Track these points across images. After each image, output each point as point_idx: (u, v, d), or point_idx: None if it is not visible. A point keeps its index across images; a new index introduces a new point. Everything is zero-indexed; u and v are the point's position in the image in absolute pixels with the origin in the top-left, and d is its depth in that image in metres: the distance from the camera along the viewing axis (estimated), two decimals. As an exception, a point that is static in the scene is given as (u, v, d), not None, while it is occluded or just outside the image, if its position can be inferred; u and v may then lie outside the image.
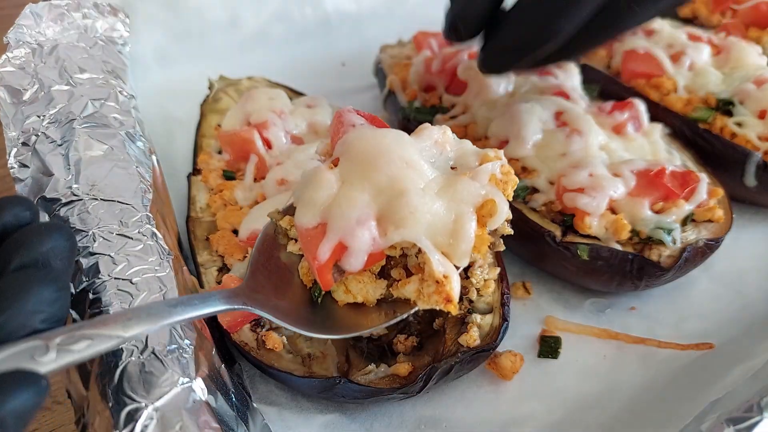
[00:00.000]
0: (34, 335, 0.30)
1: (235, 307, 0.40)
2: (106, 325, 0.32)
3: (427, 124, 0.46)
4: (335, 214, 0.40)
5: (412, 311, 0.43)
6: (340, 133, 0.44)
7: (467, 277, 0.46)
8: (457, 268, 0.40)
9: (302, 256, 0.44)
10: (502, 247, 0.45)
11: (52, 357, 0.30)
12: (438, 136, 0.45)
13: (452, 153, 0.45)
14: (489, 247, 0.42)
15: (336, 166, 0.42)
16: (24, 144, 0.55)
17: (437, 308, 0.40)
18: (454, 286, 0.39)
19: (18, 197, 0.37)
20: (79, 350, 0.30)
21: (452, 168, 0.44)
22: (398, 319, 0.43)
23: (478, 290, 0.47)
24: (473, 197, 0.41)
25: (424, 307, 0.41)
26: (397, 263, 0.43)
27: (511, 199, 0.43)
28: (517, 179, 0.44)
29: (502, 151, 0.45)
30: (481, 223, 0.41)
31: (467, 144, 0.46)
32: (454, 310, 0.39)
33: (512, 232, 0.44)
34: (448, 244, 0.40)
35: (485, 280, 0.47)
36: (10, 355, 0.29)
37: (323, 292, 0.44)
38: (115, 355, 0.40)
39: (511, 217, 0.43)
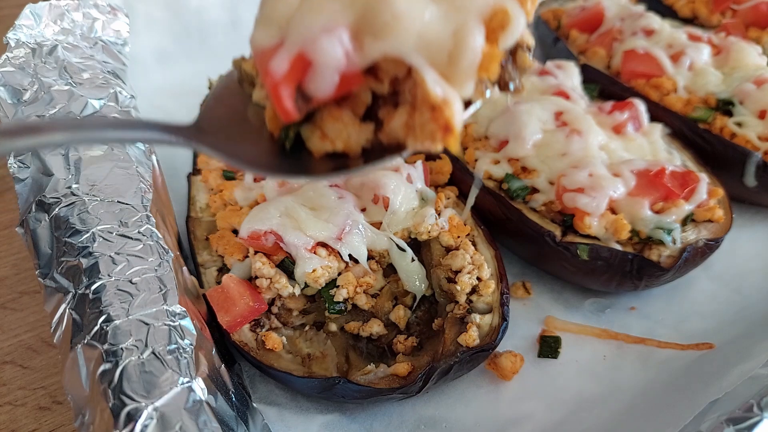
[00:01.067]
0: None
1: (173, 139, 0.33)
2: (24, 126, 0.29)
3: None
4: (295, 22, 0.32)
5: (404, 154, 0.33)
6: None
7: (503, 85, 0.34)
8: (468, 103, 0.31)
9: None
10: (524, 90, 0.36)
11: None
12: None
13: None
14: (504, 85, 0.33)
15: None
16: (24, 144, 0.55)
17: (433, 148, 0.31)
18: (456, 111, 0.30)
19: None
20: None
21: None
22: (385, 161, 0.34)
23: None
24: (479, 4, 0.32)
25: (417, 145, 0.31)
26: (387, 103, 0.33)
27: (530, 18, 0.34)
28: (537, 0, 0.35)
29: None
30: (490, 39, 0.32)
31: None
32: (454, 145, 0.31)
33: (533, 66, 0.36)
34: (445, 63, 0.31)
35: (479, 281, 0.41)
36: None
37: (291, 133, 0.34)
38: (115, 355, 0.40)
39: (532, 44, 0.35)
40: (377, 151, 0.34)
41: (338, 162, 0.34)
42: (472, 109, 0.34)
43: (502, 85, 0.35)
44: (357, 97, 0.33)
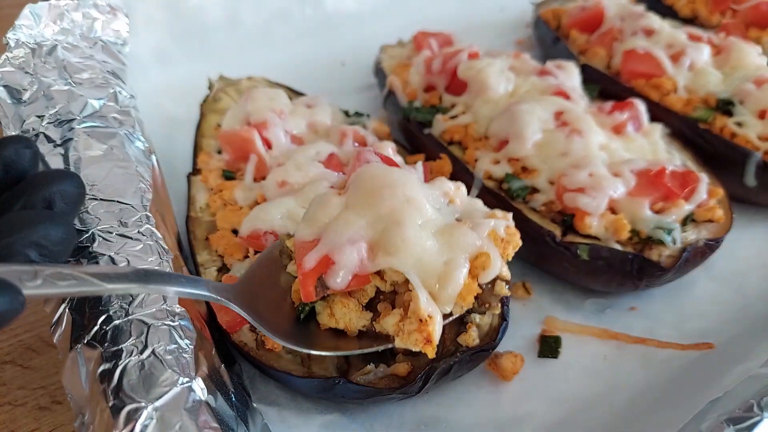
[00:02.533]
0: (28, 263, 0.34)
1: (218, 298, 0.43)
2: (93, 272, 0.36)
3: (444, 178, 0.49)
4: (330, 230, 0.43)
5: (388, 346, 0.43)
6: (356, 168, 0.49)
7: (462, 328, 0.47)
8: (446, 316, 0.42)
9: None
10: (497, 309, 0.46)
11: (37, 283, 0.33)
12: (450, 189, 0.48)
13: (460, 207, 0.48)
14: (482, 304, 0.44)
15: (344, 194, 0.46)
16: (24, 144, 0.55)
17: (414, 349, 0.41)
18: (437, 328, 0.40)
19: (18, 136, 0.40)
20: (62, 286, 0.34)
21: (457, 220, 0.46)
22: (373, 349, 0.44)
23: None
24: (468, 246, 0.42)
25: (402, 345, 0.41)
26: (386, 298, 0.44)
27: (509, 259, 0.45)
28: (520, 242, 0.46)
29: (510, 214, 0.47)
30: (472, 274, 0.43)
31: (478, 203, 0.49)
32: (431, 353, 0.40)
33: (509, 294, 0.46)
34: (435, 285, 0.41)
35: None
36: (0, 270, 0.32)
37: (306, 308, 0.45)
38: (114, 355, 0.40)
39: (509, 277, 0.45)
40: (370, 335, 0.44)
41: (338, 340, 0.44)
42: (447, 321, 0.43)
43: (480, 304, 0.45)
44: (364, 290, 0.44)
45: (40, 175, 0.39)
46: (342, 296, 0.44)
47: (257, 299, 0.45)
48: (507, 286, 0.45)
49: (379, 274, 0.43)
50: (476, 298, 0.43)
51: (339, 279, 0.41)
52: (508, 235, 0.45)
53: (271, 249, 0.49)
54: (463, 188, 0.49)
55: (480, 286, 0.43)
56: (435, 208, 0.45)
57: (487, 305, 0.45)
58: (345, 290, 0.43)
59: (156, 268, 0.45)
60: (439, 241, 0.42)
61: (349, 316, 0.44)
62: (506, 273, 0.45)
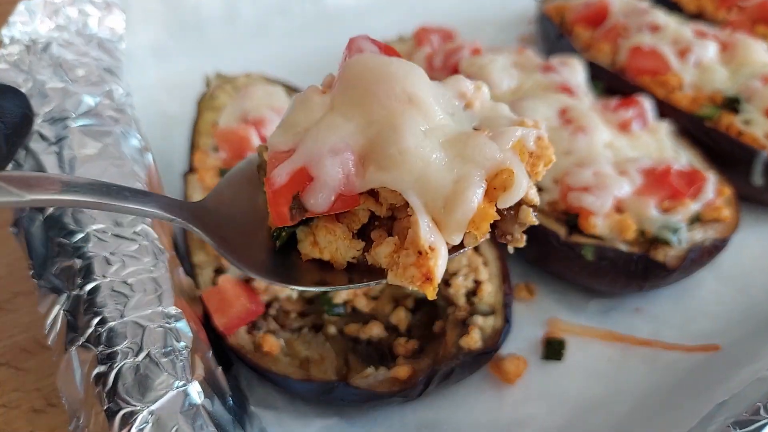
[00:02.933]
0: None
1: (172, 217, 0.35)
2: (10, 176, 0.29)
3: (459, 75, 0.38)
4: (308, 136, 0.33)
5: (381, 282, 0.35)
6: (346, 59, 0.37)
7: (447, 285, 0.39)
8: (455, 248, 0.32)
9: None
10: (521, 243, 0.36)
11: None
12: (467, 89, 0.37)
13: (481, 112, 0.37)
14: (501, 235, 0.34)
15: (329, 92, 0.36)
16: (18, 142, 0.54)
17: (410, 287, 0.32)
18: (439, 263, 0.32)
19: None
20: None
21: (474, 129, 0.36)
22: (361, 285, 0.35)
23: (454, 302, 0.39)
24: (486, 160, 0.32)
25: (396, 281, 0.32)
26: (382, 225, 0.35)
27: (539, 179, 0.35)
28: (553, 158, 0.35)
29: (543, 123, 0.37)
30: (489, 196, 0.33)
31: (503, 107, 0.38)
32: (431, 293, 0.31)
33: (536, 222, 0.35)
34: (440, 209, 0.32)
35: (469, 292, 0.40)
36: None
37: (283, 235, 0.36)
38: (109, 357, 0.40)
39: (537, 202, 0.35)
40: (361, 270, 0.36)
41: (323, 274, 0.36)
42: (457, 253, 0.34)
43: (500, 235, 0.35)
44: (354, 213, 0.35)
45: None
46: (328, 221, 0.35)
47: (225, 222, 0.37)
48: (534, 214, 0.35)
49: (374, 194, 0.34)
50: (494, 227, 0.34)
51: (319, 198, 0.32)
52: (539, 148, 0.34)
53: (247, 163, 0.40)
54: (485, 88, 0.38)
55: (499, 211, 0.33)
56: (446, 112, 0.35)
57: (507, 237, 0.35)
58: (328, 213, 0.33)
59: (101, 180, 0.36)
60: (448, 153, 0.33)
61: (335, 245, 0.35)
62: (534, 196, 0.34)
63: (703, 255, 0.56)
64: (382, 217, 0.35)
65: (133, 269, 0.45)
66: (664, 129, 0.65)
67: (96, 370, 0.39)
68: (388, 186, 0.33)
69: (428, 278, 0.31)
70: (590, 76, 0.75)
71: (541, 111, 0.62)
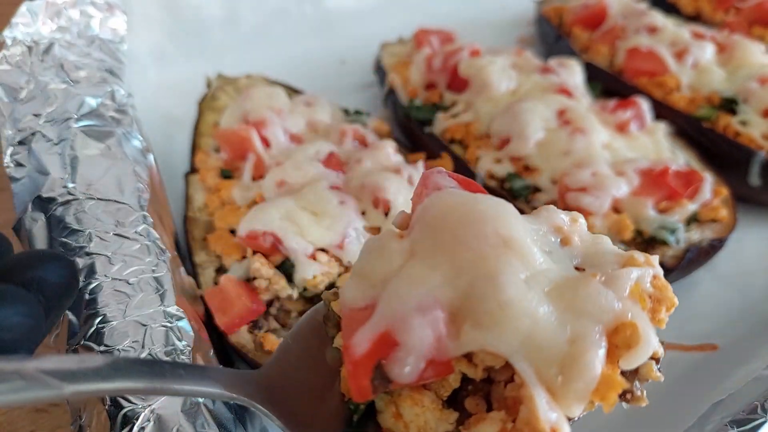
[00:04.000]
0: None
1: (235, 396, 0.30)
2: (50, 369, 0.23)
3: (551, 206, 0.33)
4: (390, 292, 0.28)
5: None
6: (423, 197, 0.32)
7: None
8: (569, 420, 0.27)
9: None
10: (644, 402, 0.30)
11: None
12: (562, 222, 0.31)
13: (580, 249, 0.31)
14: (622, 397, 0.28)
15: (408, 235, 0.31)
16: (20, 143, 0.55)
17: None
18: None
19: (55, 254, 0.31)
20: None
21: (576, 269, 0.30)
22: None
23: None
24: (603, 313, 0.27)
25: None
26: (476, 390, 0.29)
27: (662, 326, 0.29)
28: (675, 301, 0.30)
29: (656, 258, 0.31)
30: (610, 357, 0.27)
31: (604, 240, 0.32)
32: None
33: (661, 378, 0.29)
34: (555, 376, 0.26)
35: None
36: None
37: (360, 408, 0.31)
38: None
39: (661, 354, 0.29)
40: None
41: None
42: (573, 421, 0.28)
43: (620, 394, 0.29)
44: (444, 378, 0.29)
45: (18, 256, 0.29)
46: (413, 389, 0.29)
47: (293, 391, 0.32)
48: (658, 367, 0.29)
49: (467, 356, 0.28)
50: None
51: (406, 367, 0.27)
52: (657, 289, 0.29)
53: (312, 314, 0.36)
54: (581, 221, 0.32)
55: (622, 373, 0.28)
56: (544, 253, 0.29)
57: (627, 395, 0.29)
58: (417, 384, 0.28)
59: (146, 357, 0.34)
60: (557, 305, 0.27)
61: (423, 418, 0.29)
62: (659, 347, 0.29)
63: (700, 255, 0.56)
64: (476, 380, 0.29)
65: (135, 269, 0.45)
66: (661, 130, 0.66)
67: (98, 369, 0.39)
68: (489, 349, 0.27)
69: None
70: (588, 77, 0.75)
71: (540, 112, 0.63)
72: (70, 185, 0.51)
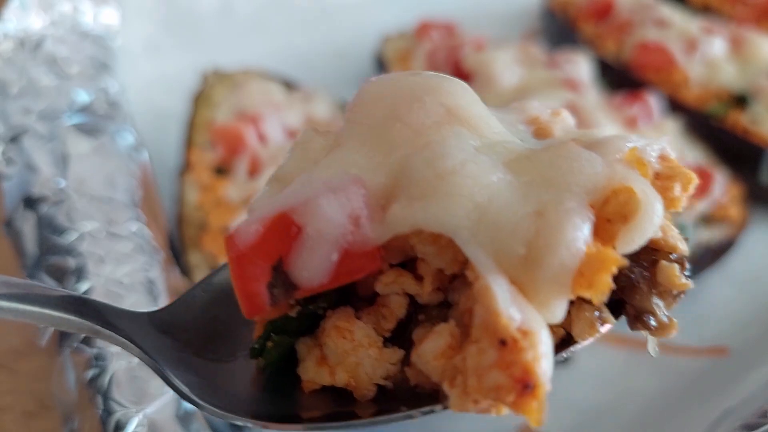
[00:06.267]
0: None
1: (106, 332, 0.23)
2: None
3: (530, 101, 0.26)
4: (298, 179, 0.22)
5: (435, 410, 0.21)
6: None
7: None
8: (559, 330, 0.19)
9: None
10: (673, 329, 0.22)
11: None
12: (538, 113, 0.24)
13: (563, 139, 0.24)
14: (631, 314, 0.20)
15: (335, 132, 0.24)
16: (11, 139, 0.53)
17: (496, 412, 0.18)
18: (542, 351, 0.18)
19: None
20: None
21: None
22: (402, 416, 0.21)
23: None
24: (585, 177, 0.19)
25: (464, 404, 0.19)
26: (430, 319, 0.21)
27: (679, 209, 0.22)
28: (693, 177, 0.22)
29: (666, 138, 0.24)
30: (602, 235, 0.19)
31: (597, 132, 0.25)
32: (536, 416, 0.18)
33: (689, 286, 0.22)
34: (521, 263, 0.19)
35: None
36: None
37: (269, 348, 0.23)
38: (104, 359, 0.39)
39: (684, 250, 0.21)
40: (403, 394, 0.22)
41: (339, 406, 0.22)
42: (564, 353, 0.20)
43: (632, 316, 0.21)
44: (384, 305, 0.21)
45: None
46: (341, 318, 0.22)
47: (194, 334, 0.25)
48: (685, 272, 0.21)
49: (412, 266, 0.21)
50: (621, 305, 0.20)
51: (313, 261, 0.20)
52: (667, 168, 0.22)
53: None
54: (565, 114, 0.25)
55: (622, 282, 0.20)
56: (509, 131, 0.23)
57: (646, 318, 0.21)
58: (331, 286, 0.21)
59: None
60: (520, 176, 0.20)
61: (355, 358, 0.21)
62: (677, 240, 0.21)
63: (710, 255, 0.55)
64: (428, 305, 0.21)
65: (127, 269, 0.44)
66: (670, 126, 0.64)
67: (90, 373, 0.38)
68: (426, 227, 0.19)
69: (526, 384, 0.17)
70: (595, 71, 0.73)
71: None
72: (62, 183, 0.50)
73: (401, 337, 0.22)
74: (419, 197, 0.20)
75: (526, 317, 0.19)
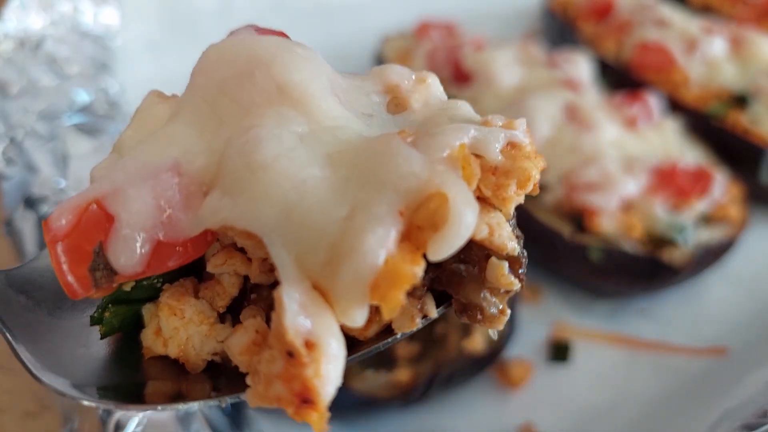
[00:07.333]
0: None
1: None
2: None
3: (393, 65, 0.25)
4: (121, 160, 0.22)
5: (238, 398, 0.21)
6: None
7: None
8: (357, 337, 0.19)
9: None
10: (499, 322, 0.21)
11: None
12: (399, 80, 0.23)
13: (420, 114, 0.23)
14: (457, 308, 0.21)
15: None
16: (11, 140, 0.53)
17: (283, 409, 0.18)
18: (325, 369, 0.18)
19: None
20: None
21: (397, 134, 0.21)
22: (214, 401, 0.22)
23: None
24: (401, 179, 0.19)
25: (258, 402, 0.19)
26: (261, 300, 0.22)
27: (510, 207, 0.21)
28: (534, 175, 0.21)
29: (523, 122, 0.22)
30: (413, 241, 0.19)
31: (462, 106, 0.23)
32: (319, 422, 0.18)
33: (516, 287, 0.21)
34: (323, 266, 0.19)
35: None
36: None
37: (106, 316, 0.23)
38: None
39: (513, 249, 0.21)
40: (231, 374, 0.21)
41: (174, 379, 0.22)
42: (380, 345, 0.20)
43: (459, 309, 0.21)
44: (218, 282, 0.22)
45: None
46: (173, 295, 0.22)
47: (51, 298, 0.24)
48: (514, 273, 0.20)
49: (239, 247, 0.21)
50: (448, 296, 0.21)
51: (126, 249, 0.20)
52: (510, 159, 0.21)
53: None
54: (432, 81, 0.24)
55: (444, 268, 0.20)
56: (353, 111, 0.22)
57: (474, 313, 0.21)
58: (148, 273, 0.21)
59: None
60: (338, 172, 0.20)
61: (185, 334, 0.22)
62: (506, 239, 0.20)
63: (710, 255, 0.55)
64: (260, 285, 0.22)
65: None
66: (670, 126, 0.64)
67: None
68: (235, 225, 0.19)
69: (305, 400, 0.17)
70: (595, 71, 0.73)
71: (546, 108, 0.61)
72: (62, 183, 0.50)
73: (238, 312, 0.22)
74: (230, 192, 0.20)
75: (316, 327, 0.18)
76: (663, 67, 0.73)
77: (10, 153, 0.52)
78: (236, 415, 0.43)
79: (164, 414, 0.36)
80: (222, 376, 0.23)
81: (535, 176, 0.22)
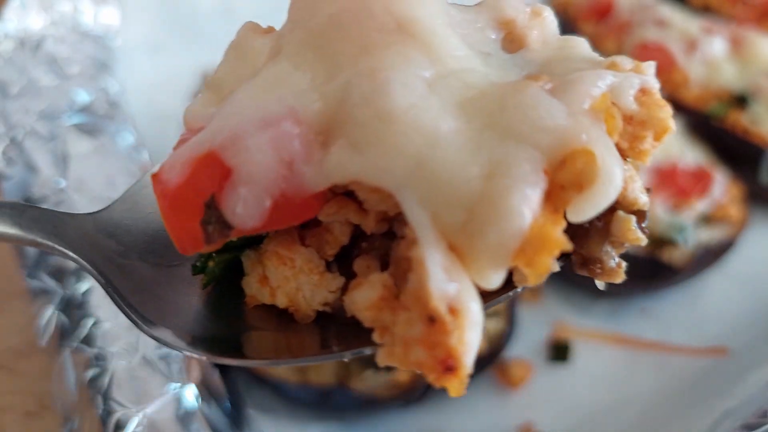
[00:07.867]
0: None
1: (30, 238, 0.20)
2: None
3: None
4: (229, 101, 0.20)
5: (364, 352, 0.20)
6: None
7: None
8: (491, 295, 0.18)
9: None
10: (618, 276, 0.21)
11: None
12: (514, 13, 0.20)
13: (539, 54, 0.21)
14: (577, 261, 0.20)
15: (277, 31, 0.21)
16: (11, 140, 0.53)
17: (420, 374, 0.18)
18: (469, 337, 0.17)
19: None
20: None
21: (528, 79, 0.19)
22: (334, 357, 0.21)
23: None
24: (543, 133, 0.17)
25: (392, 362, 0.18)
26: (371, 249, 0.20)
27: (646, 162, 0.20)
28: (671, 126, 0.20)
29: (652, 65, 0.21)
30: (553, 202, 0.18)
31: (578, 44, 0.22)
32: (456, 388, 0.18)
33: (644, 242, 0.20)
34: (462, 226, 0.17)
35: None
36: None
37: (210, 265, 0.22)
38: (104, 359, 0.39)
39: (644, 204, 0.20)
40: (342, 324, 0.20)
41: (281, 331, 0.21)
42: (495, 301, 0.19)
43: (579, 262, 0.20)
44: (328, 230, 0.20)
45: None
46: (281, 243, 0.21)
47: (132, 244, 0.23)
48: (641, 227, 0.19)
49: (353, 196, 0.19)
50: (573, 233, 0.19)
51: (244, 204, 0.18)
52: (645, 107, 0.20)
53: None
54: (547, 14, 0.22)
55: (573, 226, 0.19)
56: (471, 49, 0.20)
57: (594, 267, 0.20)
58: (268, 228, 0.19)
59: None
60: (473, 122, 0.18)
61: (295, 284, 0.21)
62: (638, 194, 0.20)
63: (710, 255, 0.55)
64: (372, 234, 0.20)
65: (127, 270, 0.44)
66: (671, 126, 0.64)
67: (90, 373, 0.39)
68: (365, 180, 0.18)
69: (448, 366, 0.17)
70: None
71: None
72: (62, 183, 0.50)
73: (346, 261, 0.21)
74: (358, 144, 0.18)
75: (459, 291, 0.17)
76: (663, 67, 0.73)
77: (10, 153, 0.52)
78: (236, 415, 0.43)
79: (164, 414, 0.37)
80: (332, 327, 0.21)
81: (673, 126, 0.21)
